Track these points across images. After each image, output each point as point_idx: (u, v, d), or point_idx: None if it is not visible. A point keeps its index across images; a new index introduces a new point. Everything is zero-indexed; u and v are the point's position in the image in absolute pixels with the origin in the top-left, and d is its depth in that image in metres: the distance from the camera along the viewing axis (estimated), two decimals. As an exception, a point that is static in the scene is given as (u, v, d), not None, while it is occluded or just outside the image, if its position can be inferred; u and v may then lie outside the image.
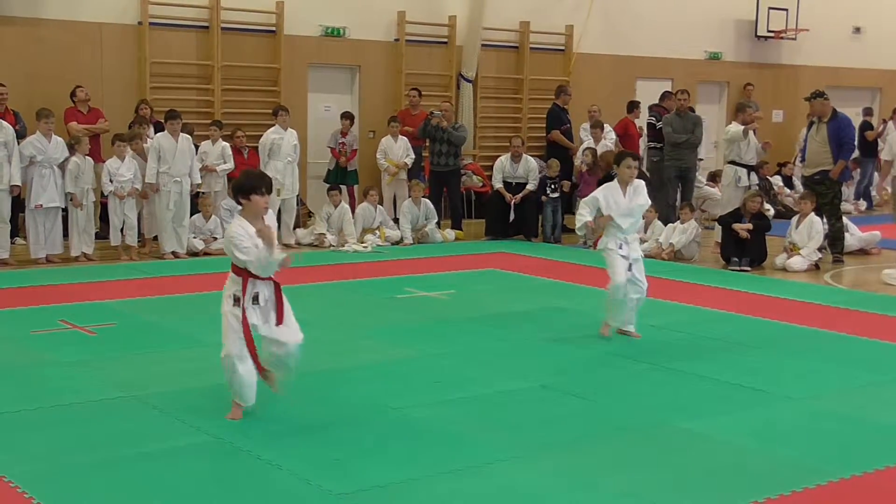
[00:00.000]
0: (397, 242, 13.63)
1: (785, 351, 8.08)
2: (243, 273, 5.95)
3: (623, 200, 8.28)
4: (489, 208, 14.86)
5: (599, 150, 14.57)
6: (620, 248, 8.28)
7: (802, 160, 13.51)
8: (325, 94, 15.73)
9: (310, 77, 15.52)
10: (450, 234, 14.23)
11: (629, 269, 8.33)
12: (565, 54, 18.05)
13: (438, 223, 14.20)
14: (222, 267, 11.31)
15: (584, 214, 8.38)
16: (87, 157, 11.93)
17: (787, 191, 17.92)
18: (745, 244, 12.11)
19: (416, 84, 16.25)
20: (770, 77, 20.56)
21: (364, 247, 13.16)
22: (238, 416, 6.04)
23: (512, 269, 11.93)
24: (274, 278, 6.03)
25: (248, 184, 6.02)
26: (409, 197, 14.06)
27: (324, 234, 13.34)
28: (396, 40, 16.25)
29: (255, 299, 5.96)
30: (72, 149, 11.83)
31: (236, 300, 5.94)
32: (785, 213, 15.74)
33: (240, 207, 6.09)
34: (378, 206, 13.94)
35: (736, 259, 12.11)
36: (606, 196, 8.32)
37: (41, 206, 11.49)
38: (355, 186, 15.15)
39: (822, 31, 20.53)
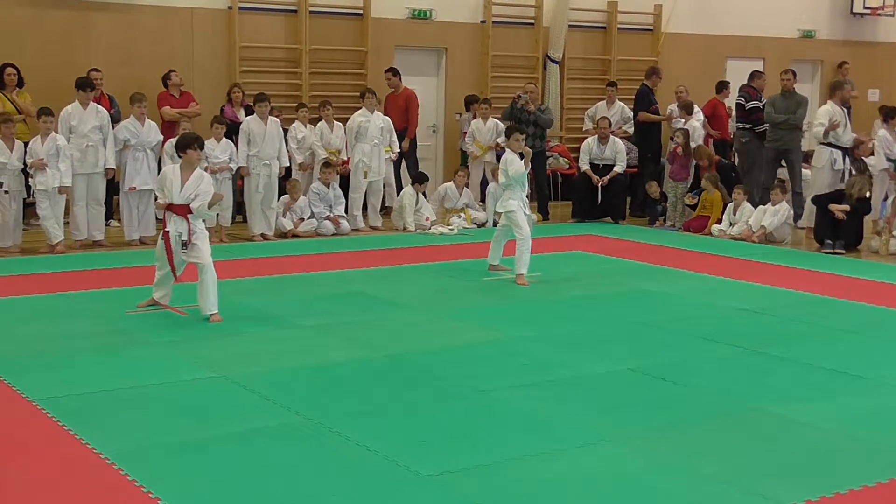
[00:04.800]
0: (483, 224, 13.60)
1: (881, 335, 7.89)
2: (168, 208, 8.03)
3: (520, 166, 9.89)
4: (576, 190, 14.73)
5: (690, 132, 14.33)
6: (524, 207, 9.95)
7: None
8: (412, 77, 15.69)
9: (396, 59, 15.54)
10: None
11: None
12: (653, 34, 17.80)
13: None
14: (310, 249, 11.55)
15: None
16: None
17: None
18: (839, 226, 11.81)
19: (502, 66, 16.19)
20: (866, 55, 20.00)
21: (450, 229, 13.16)
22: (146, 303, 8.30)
23: (599, 251, 11.83)
24: (188, 219, 7.99)
25: (184, 142, 8.14)
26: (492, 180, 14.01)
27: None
28: (483, 22, 16.18)
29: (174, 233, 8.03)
30: (171, 132, 12.05)
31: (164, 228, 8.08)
32: (881, 195, 15.31)
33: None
34: (465, 187, 13.92)
35: (829, 241, 11.82)
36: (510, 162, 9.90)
37: (135, 188, 11.72)
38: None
39: (921, 6, 19.90)
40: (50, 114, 11.08)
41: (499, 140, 14.58)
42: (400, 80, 14.61)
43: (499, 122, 14.41)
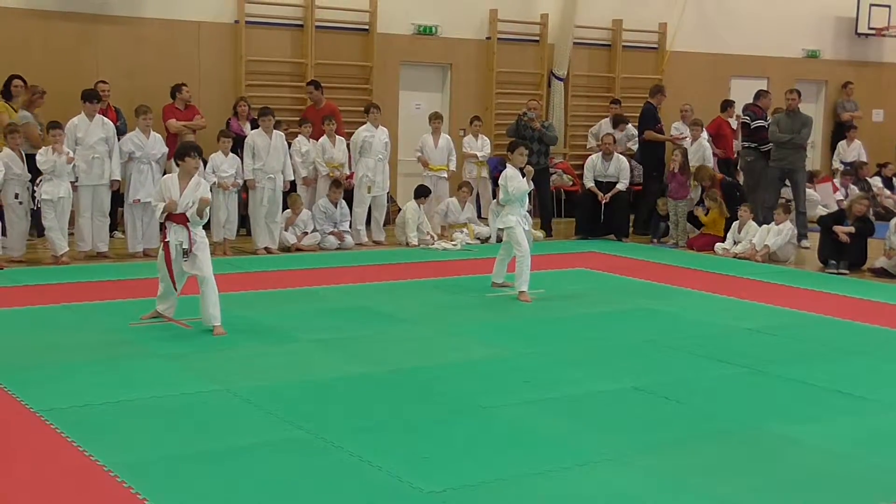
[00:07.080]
0: (486, 240, 13.61)
1: (885, 356, 7.88)
2: (167, 218, 8.07)
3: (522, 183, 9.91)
4: (579, 207, 14.76)
5: (693, 152, 14.35)
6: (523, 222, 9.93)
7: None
8: (417, 92, 15.78)
9: (401, 75, 15.59)
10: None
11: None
12: (658, 52, 17.84)
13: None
14: (314, 263, 11.54)
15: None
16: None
17: (888, 192, 17.47)
18: (844, 247, 11.81)
19: (506, 82, 16.23)
20: (870, 75, 20.04)
21: (454, 245, 13.17)
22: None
23: (602, 268, 11.84)
24: (189, 227, 8.01)
25: (181, 150, 8.23)
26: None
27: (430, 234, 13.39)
28: (488, 38, 16.23)
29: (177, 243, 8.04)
30: (176, 144, 12.06)
31: (164, 239, 8.13)
32: (884, 216, 15.34)
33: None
34: (467, 203, 13.94)
35: (834, 262, 11.82)
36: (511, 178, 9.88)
37: (139, 200, 11.72)
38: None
39: (926, 28, 19.94)
40: (59, 127, 11.09)
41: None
42: (322, 93, 14.05)
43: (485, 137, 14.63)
